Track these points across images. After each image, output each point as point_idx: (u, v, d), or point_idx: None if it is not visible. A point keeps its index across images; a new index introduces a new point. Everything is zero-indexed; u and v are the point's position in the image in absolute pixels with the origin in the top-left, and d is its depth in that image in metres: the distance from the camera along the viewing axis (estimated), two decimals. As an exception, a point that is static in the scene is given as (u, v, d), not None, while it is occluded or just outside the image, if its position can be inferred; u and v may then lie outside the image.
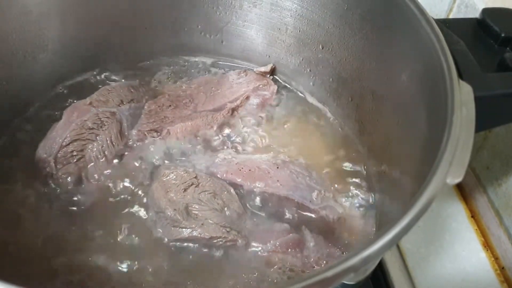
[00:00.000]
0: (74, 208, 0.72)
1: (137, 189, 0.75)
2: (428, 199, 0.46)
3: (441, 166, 0.48)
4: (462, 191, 0.93)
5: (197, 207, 0.70)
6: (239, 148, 0.83)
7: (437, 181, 0.47)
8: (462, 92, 0.54)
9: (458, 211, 0.91)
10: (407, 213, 0.45)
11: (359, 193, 0.77)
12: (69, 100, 0.84)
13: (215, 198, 0.71)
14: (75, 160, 0.74)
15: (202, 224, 0.68)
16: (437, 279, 0.81)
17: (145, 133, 0.81)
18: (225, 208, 0.71)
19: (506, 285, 0.81)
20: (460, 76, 0.56)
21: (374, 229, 0.72)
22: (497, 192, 0.85)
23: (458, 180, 0.47)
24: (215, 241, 0.67)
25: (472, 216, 0.90)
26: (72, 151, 0.74)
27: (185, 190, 0.71)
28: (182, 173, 0.74)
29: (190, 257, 0.68)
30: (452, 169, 0.48)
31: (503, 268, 0.82)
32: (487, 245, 0.86)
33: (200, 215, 0.69)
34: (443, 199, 0.92)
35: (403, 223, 0.44)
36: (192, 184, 0.72)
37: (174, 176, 0.73)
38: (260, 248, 0.68)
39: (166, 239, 0.69)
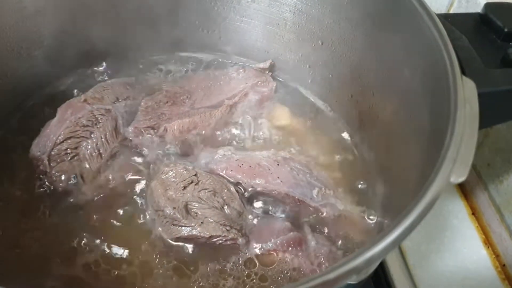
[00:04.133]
0: (68, 207, 0.71)
1: (133, 187, 0.74)
2: (432, 198, 0.45)
3: (445, 164, 0.47)
4: (463, 188, 0.93)
5: (196, 205, 0.69)
6: (238, 144, 0.82)
7: (440, 180, 0.46)
8: (465, 88, 0.53)
9: (459, 208, 0.90)
10: (410, 213, 0.44)
11: (360, 190, 0.76)
12: (64, 97, 0.82)
13: (215, 196, 0.70)
14: (69, 158, 0.73)
15: (201, 222, 0.67)
16: (438, 276, 0.81)
17: (142, 130, 0.80)
18: (225, 206, 0.70)
19: (507, 283, 0.80)
20: (463, 72, 0.55)
21: (375, 227, 0.71)
22: (498, 189, 0.85)
23: (462, 179, 0.46)
24: (215, 239, 0.66)
25: (472, 214, 0.90)
26: (66, 149, 0.73)
27: (184, 188, 0.70)
28: (181, 170, 0.73)
29: (189, 256, 0.67)
30: (455, 167, 0.47)
31: (504, 265, 0.82)
32: (488, 243, 0.86)
33: (200, 214, 0.68)
34: (444, 196, 0.91)
35: (407, 223, 0.44)
36: (191, 182, 0.71)
37: (174, 174, 0.72)
38: (260, 247, 0.67)
39: (165, 238, 0.68)
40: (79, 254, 0.66)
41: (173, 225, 0.67)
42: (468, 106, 0.51)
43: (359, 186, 0.77)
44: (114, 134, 0.78)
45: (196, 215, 0.68)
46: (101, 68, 0.92)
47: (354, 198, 0.75)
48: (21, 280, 0.63)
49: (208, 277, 0.65)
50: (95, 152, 0.75)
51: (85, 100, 0.78)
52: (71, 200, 0.72)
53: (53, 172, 0.72)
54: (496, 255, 0.84)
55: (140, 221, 0.70)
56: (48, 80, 0.88)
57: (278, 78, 0.94)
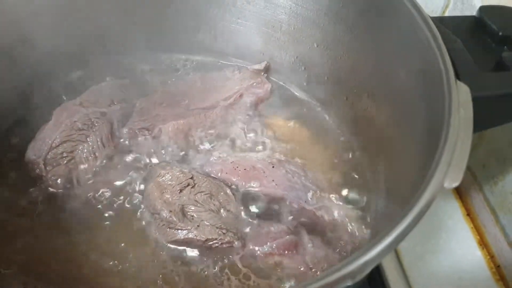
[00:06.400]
0: (64, 210, 0.71)
1: (129, 190, 0.74)
2: (426, 203, 0.45)
3: (439, 168, 0.47)
4: (458, 189, 0.93)
5: (193, 208, 0.69)
6: (234, 146, 0.82)
7: (434, 185, 0.46)
8: (459, 93, 0.53)
9: (453, 209, 0.91)
10: (405, 217, 0.44)
11: (354, 193, 0.76)
12: (59, 100, 0.82)
13: (211, 199, 0.70)
14: (65, 161, 0.73)
15: (198, 225, 0.67)
16: (433, 277, 0.81)
17: (136, 131, 0.80)
18: (222, 209, 0.70)
19: (502, 284, 0.81)
20: (458, 76, 0.55)
21: (370, 230, 0.71)
22: (493, 190, 0.85)
23: (455, 184, 0.47)
24: (211, 243, 0.67)
25: (467, 214, 0.90)
26: (62, 153, 0.73)
27: (181, 191, 0.70)
28: (177, 173, 0.73)
29: (186, 259, 0.67)
30: (449, 172, 0.47)
31: (498, 266, 0.82)
32: (483, 243, 0.86)
33: (196, 217, 0.68)
34: (438, 197, 0.91)
35: (401, 227, 0.44)
36: (188, 185, 0.71)
37: (170, 177, 0.72)
38: (257, 250, 0.67)
39: (161, 241, 0.68)
40: (73, 257, 0.66)
41: (169, 228, 0.67)
42: (462, 110, 0.51)
43: (354, 189, 0.77)
44: (110, 137, 0.77)
45: (193, 218, 0.68)
46: (96, 70, 0.91)
47: (349, 201, 0.75)
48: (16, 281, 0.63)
49: (204, 281, 0.65)
50: (91, 156, 0.75)
51: (80, 103, 0.78)
52: (67, 203, 0.72)
53: (49, 175, 0.72)
54: (491, 256, 0.84)
55: (135, 224, 0.70)
56: (42, 83, 0.87)
57: (273, 80, 0.94)
